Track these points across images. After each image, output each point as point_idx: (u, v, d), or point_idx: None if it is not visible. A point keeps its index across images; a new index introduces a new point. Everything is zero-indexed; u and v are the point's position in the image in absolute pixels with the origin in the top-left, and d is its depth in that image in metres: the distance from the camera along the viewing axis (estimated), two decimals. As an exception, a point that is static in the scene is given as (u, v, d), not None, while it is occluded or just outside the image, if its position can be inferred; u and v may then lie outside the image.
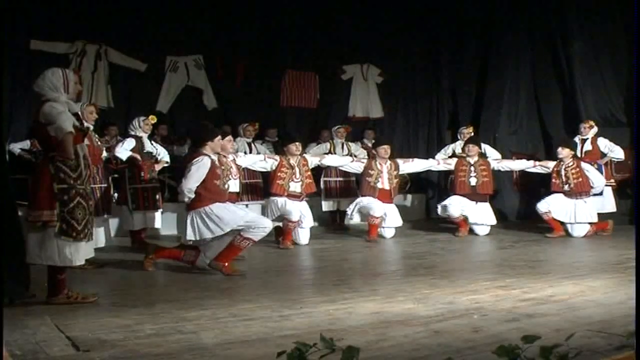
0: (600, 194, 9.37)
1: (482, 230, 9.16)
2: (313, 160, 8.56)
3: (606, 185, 9.45)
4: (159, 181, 8.32)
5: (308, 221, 8.29)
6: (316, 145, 10.45)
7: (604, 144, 9.50)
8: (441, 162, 9.51)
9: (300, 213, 8.12)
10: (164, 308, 4.64)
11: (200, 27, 11.06)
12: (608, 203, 9.49)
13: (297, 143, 8.31)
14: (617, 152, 9.48)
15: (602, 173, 9.41)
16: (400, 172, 9.00)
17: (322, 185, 9.87)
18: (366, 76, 12.37)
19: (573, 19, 10.73)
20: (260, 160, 8.25)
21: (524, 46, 11.32)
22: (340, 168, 9.22)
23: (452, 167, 9.28)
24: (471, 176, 9.09)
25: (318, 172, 9.84)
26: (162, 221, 8.28)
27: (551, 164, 9.06)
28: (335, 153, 9.97)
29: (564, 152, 8.90)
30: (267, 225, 6.10)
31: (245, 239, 6.03)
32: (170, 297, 5.10)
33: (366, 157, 9.78)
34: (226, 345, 3.65)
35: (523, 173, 10.60)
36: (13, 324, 3.92)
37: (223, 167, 6.45)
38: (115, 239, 8.12)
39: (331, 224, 10.18)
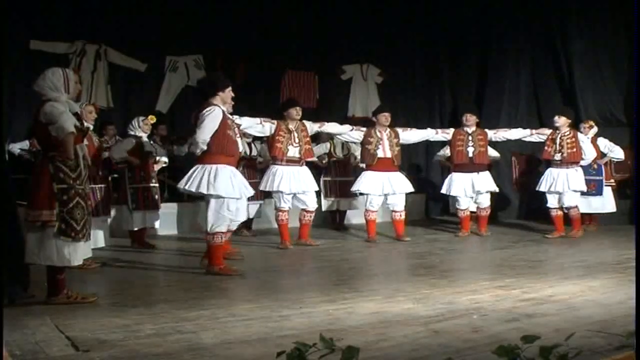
0: (600, 194, 9.38)
1: (484, 198, 9.11)
2: (313, 127, 8.43)
3: (606, 185, 9.46)
4: (158, 181, 8.31)
5: (311, 185, 8.15)
6: (316, 145, 10.44)
7: (604, 144, 9.48)
8: (439, 132, 9.32)
9: (290, 202, 8.03)
10: (164, 308, 4.64)
11: (201, 27, 11.04)
12: (608, 203, 9.50)
13: (297, 107, 8.21)
14: (617, 152, 9.47)
15: (602, 173, 9.41)
16: (400, 141, 8.77)
17: (322, 185, 9.86)
18: (366, 76, 12.37)
19: (573, 19, 10.74)
20: (257, 124, 7.99)
21: (524, 46, 11.33)
22: (339, 137, 9.07)
23: (449, 137, 9.14)
24: (469, 146, 8.98)
25: (318, 172, 9.84)
26: (161, 221, 8.27)
27: (548, 132, 8.93)
28: (335, 152, 9.96)
29: (560, 121, 8.73)
30: (226, 215, 5.94)
31: (215, 235, 5.94)
32: (170, 297, 5.11)
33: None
34: (226, 345, 3.64)
35: (523, 172, 10.59)
36: (13, 324, 3.91)
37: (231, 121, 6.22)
38: (115, 239, 8.11)
39: (331, 224, 10.18)
